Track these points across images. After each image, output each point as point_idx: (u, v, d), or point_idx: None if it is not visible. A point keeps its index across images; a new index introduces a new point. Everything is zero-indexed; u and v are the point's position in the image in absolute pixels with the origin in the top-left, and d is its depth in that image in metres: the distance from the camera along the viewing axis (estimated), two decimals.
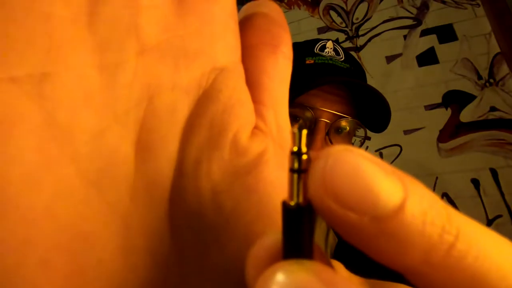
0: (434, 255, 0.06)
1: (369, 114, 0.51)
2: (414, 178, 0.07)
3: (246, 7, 0.12)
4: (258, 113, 0.11)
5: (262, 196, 0.10)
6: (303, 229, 0.07)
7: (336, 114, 0.48)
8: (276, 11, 0.12)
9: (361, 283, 0.12)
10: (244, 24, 0.12)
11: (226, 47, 0.11)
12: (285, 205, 0.07)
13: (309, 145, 0.08)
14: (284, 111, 0.12)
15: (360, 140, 0.52)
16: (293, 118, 0.49)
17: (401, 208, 0.06)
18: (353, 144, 0.54)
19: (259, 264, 0.07)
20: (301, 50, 0.53)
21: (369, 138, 0.53)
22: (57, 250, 0.07)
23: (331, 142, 0.48)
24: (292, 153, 0.07)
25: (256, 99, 0.11)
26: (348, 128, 0.50)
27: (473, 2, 1.00)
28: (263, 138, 0.11)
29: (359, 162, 0.06)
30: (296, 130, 0.07)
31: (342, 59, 0.52)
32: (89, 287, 0.08)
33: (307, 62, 0.50)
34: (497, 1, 0.95)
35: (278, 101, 0.12)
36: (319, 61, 0.50)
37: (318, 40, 0.53)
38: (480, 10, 0.98)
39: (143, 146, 0.09)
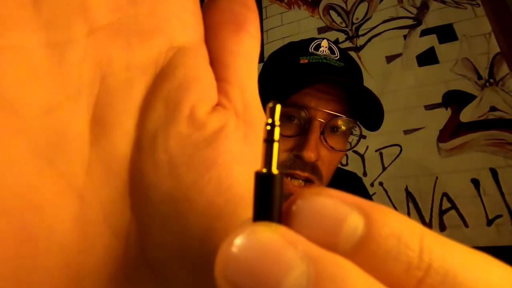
0: None
1: (364, 113, 0.51)
2: (386, 207, 0.07)
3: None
4: (222, 90, 0.11)
5: (222, 169, 0.10)
6: (273, 195, 0.08)
7: (330, 113, 0.48)
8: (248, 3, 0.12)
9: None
10: (208, 5, 0.12)
11: (184, 26, 0.11)
12: (257, 172, 0.08)
13: (281, 118, 0.08)
14: (252, 88, 0.12)
15: (357, 139, 0.52)
16: (288, 118, 0.48)
17: (361, 245, 0.06)
18: (350, 143, 0.53)
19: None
20: (296, 49, 0.53)
21: (364, 137, 0.52)
22: (6, 218, 0.08)
23: (326, 142, 0.48)
24: (267, 124, 0.08)
25: (220, 77, 0.12)
26: (343, 127, 0.50)
27: (473, 2, 1.00)
28: (224, 113, 0.11)
29: (322, 202, 0.07)
30: (271, 104, 0.08)
31: (337, 58, 0.51)
32: (42, 255, 0.08)
33: (302, 61, 0.50)
34: (497, 1, 0.95)
35: (244, 79, 0.12)
36: (313, 60, 0.50)
37: (313, 39, 0.53)
38: (480, 10, 0.98)
39: (98, 122, 0.09)
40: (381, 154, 0.98)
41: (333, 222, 0.07)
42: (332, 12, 1.19)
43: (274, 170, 0.08)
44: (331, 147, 0.48)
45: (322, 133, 0.48)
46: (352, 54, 1.10)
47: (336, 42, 1.15)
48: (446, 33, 1.00)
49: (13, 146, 0.08)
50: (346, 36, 1.14)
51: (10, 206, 0.08)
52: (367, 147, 1.00)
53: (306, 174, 0.47)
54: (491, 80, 0.92)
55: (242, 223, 0.07)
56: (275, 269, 0.06)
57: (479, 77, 0.93)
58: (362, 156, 1.00)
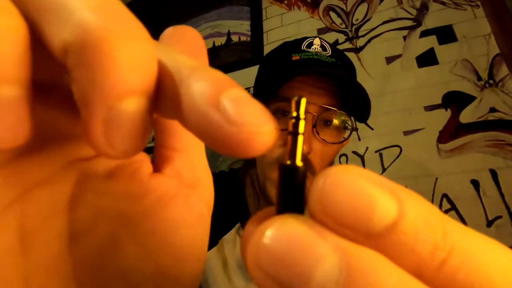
0: (424, 270, 0.06)
1: (354, 105, 0.51)
2: (413, 192, 0.07)
3: (166, 32, 0.12)
4: (169, 158, 0.12)
5: (165, 237, 0.11)
6: (297, 186, 0.07)
7: (322, 106, 0.49)
8: (193, 37, 0.12)
9: None
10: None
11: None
12: (281, 164, 0.08)
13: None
14: (198, 152, 0.13)
15: (347, 132, 0.52)
16: (282, 113, 0.49)
17: (393, 227, 0.06)
18: (344, 137, 0.53)
19: (253, 228, 0.07)
20: (289, 48, 0.54)
21: (356, 129, 0.53)
22: None
23: (318, 134, 0.49)
24: (292, 117, 0.08)
25: (170, 146, 0.12)
26: (336, 120, 0.51)
27: (473, 3, 1.00)
28: (164, 181, 0.12)
29: (354, 183, 0.07)
30: (296, 98, 0.08)
31: (329, 54, 0.53)
32: None
33: (293, 58, 0.51)
34: (497, 2, 0.95)
35: (190, 146, 0.13)
36: (305, 57, 0.51)
37: (306, 38, 0.54)
38: (480, 11, 0.99)
39: (26, 235, 0.10)
40: (381, 155, 0.98)
41: (367, 204, 0.06)
42: (332, 13, 1.19)
43: (299, 162, 0.08)
44: (323, 139, 0.49)
45: (314, 126, 0.48)
46: (352, 55, 1.11)
47: (336, 43, 1.15)
48: (445, 34, 1.00)
49: None
50: (346, 37, 1.14)
51: None
52: (367, 148, 1.00)
53: None
54: (491, 81, 0.92)
55: (270, 218, 0.07)
56: (306, 261, 0.06)
57: (479, 78, 0.93)
58: (362, 157, 1.00)
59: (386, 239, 0.06)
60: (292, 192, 0.07)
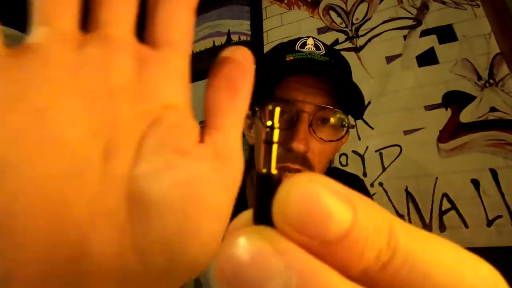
0: (370, 271, 0.07)
1: (349, 103, 0.52)
2: (367, 199, 0.08)
3: (223, 53, 0.16)
4: (209, 135, 0.15)
5: (191, 186, 0.14)
6: (271, 194, 0.08)
7: (317, 105, 0.49)
8: (243, 62, 0.16)
9: None
10: (215, 68, 0.16)
11: (173, 92, 0.15)
12: (258, 172, 0.08)
13: (281, 121, 0.09)
14: (235, 135, 0.16)
15: (345, 130, 0.52)
16: (280, 113, 0.49)
17: (346, 235, 0.07)
18: (341, 135, 0.53)
19: (232, 232, 0.08)
20: (283, 48, 0.55)
21: (352, 127, 0.53)
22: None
23: (314, 133, 0.49)
24: (266, 127, 0.08)
25: (211, 125, 0.16)
26: (332, 119, 0.51)
27: (473, 3, 1.00)
28: (204, 148, 0.15)
29: (313, 193, 0.07)
30: (271, 107, 0.09)
31: (322, 53, 0.53)
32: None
33: (287, 59, 0.52)
34: (497, 1, 0.95)
35: (230, 127, 0.16)
36: (298, 57, 0.51)
37: (300, 38, 0.55)
38: (480, 11, 0.98)
39: (108, 153, 0.13)
40: (381, 154, 0.98)
41: (324, 213, 0.07)
42: (332, 13, 1.19)
43: (273, 170, 0.08)
44: (320, 138, 0.49)
45: (310, 125, 0.49)
46: (352, 54, 1.11)
47: (336, 42, 1.15)
48: (446, 34, 1.00)
49: (53, 164, 0.12)
50: (346, 36, 1.14)
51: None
52: (367, 147, 1.00)
53: (297, 166, 0.48)
54: (491, 81, 0.92)
55: (243, 225, 0.08)
56: (259, 277, 0.07)
57: (479, 77, 0.93)
58: (362, 157, 1.00)
59: (339, 246, 0.07)
60: (267, 200, 0.08)
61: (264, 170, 0.08)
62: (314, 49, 0.53)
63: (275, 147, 0.08)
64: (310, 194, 0.07)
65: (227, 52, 0.16)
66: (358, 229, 0.07)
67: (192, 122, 0.15)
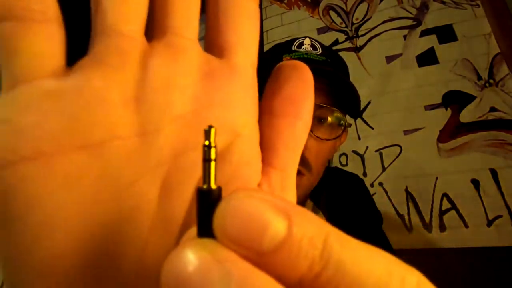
0: (304, 280, 0.08)
1: (345, 102, 0.52)
2: (305, 210, 0.08)
3: (281, 65, 0.14)
4: (266, 173, 0.14)
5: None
6: (213, 208, 0.08)
7: (315, 104, 0.49)
8: (306, 75, 0.14)
9: None
10: (273, 87, 0.14)
11: (244, 113, 0.13)
12: (198, 188, 0.09)
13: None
14: (292, 174, 0.14)
15: (342, 129, 0.52)
16: None
17: (280, 246, 0.07)
18: (339, 134, 0.53)
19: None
20: (280, 49, 0.55)
21: (349, 125, 0.53)
22: (95, 243, 0.11)
23: (311, 132, 0.49)
24: (204, 146, 0.09)
25: (267, 161, 0.14)
26: (329, 118, 0.51)
27: (473, 3, 1.00)
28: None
29: (250, 206, 0.08)
30: (207, 128, 0.09)
31: (319, 53, 0.53)
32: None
33: (284, 59, 0.52)
34: (497, 1, 0.95)
35: (288, 166, 0.14)
36: (295, 57, 0.52)
37: (297, 39, 0.55)
38: (480, 11, 0.98)
39: (166, 191, 0.12)
40: (381, 154, 0.98)
41: (259, 226, 0.07)
42: (332, 13, 1.19)
43: (213, 185, 0.09)
44: (318, 137, 0.49)
45: None
46: (352, 54, 1.11)
47: (336, 42, 1.15)
48: (446, 34, 1.00)
49: (104, 208, 0.11)
50: (346, 36, 1.14)
51: (99, 239, 0.11)
52: (367, 147, 1.00)
53: None
54: (491, 81, 0.92)
55: (187, 238, 0.09)
56: (201, 284, 0.07)
57: (479, 77, 0.93)
58: (362, 157, 1.00)
59: (274, 257, 0.07)
60: (208, 213, 0.08)
61: (205, 186, 0.09)
62: (311, 49, 0.53)
63: (213, 164, 0.09)
64: (246, 208, 0.08)
65: (285, 67, 0.14)
66: (292, 242, 0.07)
67: (258, 156, 0.14)
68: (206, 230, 0.08)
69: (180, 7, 0.12)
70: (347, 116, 0.53)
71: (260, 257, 0.07)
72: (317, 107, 0.49)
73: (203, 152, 0.09)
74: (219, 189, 0.09)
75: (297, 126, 0.14)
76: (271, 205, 0.08)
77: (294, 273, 0.08)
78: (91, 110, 0.11)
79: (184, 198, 0.12)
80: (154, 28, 0.12)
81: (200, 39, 0.13)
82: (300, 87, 0.14)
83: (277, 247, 0.07)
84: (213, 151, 0.09)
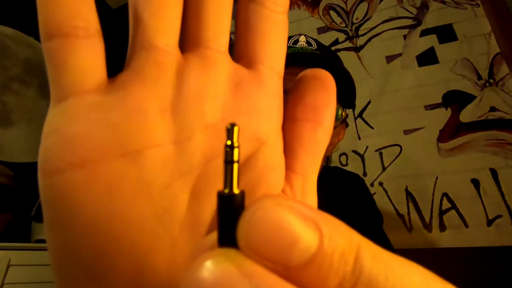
0: None
1: (342, 92, 0.52)
2: (335, 220, 0.08)
3: (304, 73, 0.15)
4: (288, 178, 0.14)
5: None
6: (236, 214, 0.07)
7: None
8: (328, 83, 0.14)
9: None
10: (296, 95, 0.14)
11: (269, 121, 0.14)
12: (219, 193, 0.08)
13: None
14: (313, 178, 0.15)
15: (339, 120, 0.53)
16: None
17: (310, 262, 0.07)
18: (336, 125, 0.53)
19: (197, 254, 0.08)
20: None
21: (347, 115, 0.54)
22: (124, 257, 0.12)
23: None
24: (226, 146, 0.08)
25: (289, 166, 0.14)
26: None
27: (473, 2, 1.00)
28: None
29: (278, 218, 0.07)
30: (229, 126, 0.08)
31: (314, 49, 0.54)
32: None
33: None
34: (497, 1, 0.95)
35: (308, 171, 0.14)
36: (290, 52, 0.52)
37: (293, 36, 0.56)
38: (480, 10, 0.98)
39: (195, 195, 0.13)
40: (381, 154, 0.98)
41: (288, 239, 0.07)
42: (332, 12, 1.19)
43: (235, 190, 0.08)
44: None
45: None
46: (352, 54, 1.11)
47: (336, 42, 1.15)
48: (446, 33, 1.00)
49: (140, 211, 0.12)
50: (346, 36, 1.14)
51: (131, 248, 0.12)
52: (367, 147, 1.00)
53: None
54: (491, 81, 0.92)
55: (208, 248, 0.08)
56: None
57: (479, 77, 0.93)
58: (362, 156, 1.00)
59: (303, 272, 0.07)
60: (230, 220, 0.08)
61: (226, 190, 0.08)
62: (306, 45, 0.54)
63: (236, 166, 0.08)
64: (274, 218, 0.07)
65: (308, 74, 0.15)
66: (323, 256, 0.07)
67: (282, 162, 0.14)
68: (228, 239, 0.08)
69: (212, 20, 0.13)
70: (346, 116, 0.53)
71: (288, 272, 0.07)
72: None
73: (225, 153, 0.08)
74: (242, 193, 0.08)
75: (318, 132, 0.14)
76: (300, 215, 0.07)
77: None
78: (132, 120, 0.12)
79: (212, 202, 0.13)
80: (187, 40, 0.13)
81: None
82: (322, 95, 0.14)
83: (307, 262, 0.07)
84: (236, 151, 0.08)
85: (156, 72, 0.12)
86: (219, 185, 0.12)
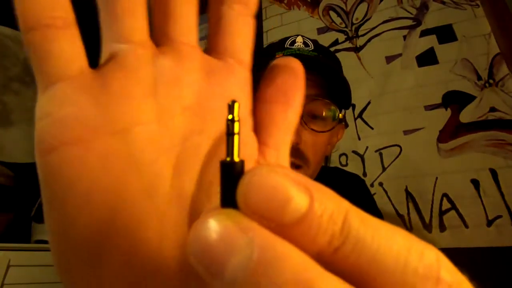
0: (324, 253, 0.08)
1: (337, 93, 0.52)
2: (326, 189, 0.08)
3: (277, 62, 0.16)
4: (262, 152, 0.16)
5: None
6: (236, 179, 0.08)
7: (307, 96, 0.50)
8: (298, 70, 0.16)
9: None
10: (268, 79, 0.16)
11: (240, 104, 0.14)
12: (222, 161, 0.09)
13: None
14: (285, 152, 0.16)
15: (336, 121, 0.53)
16: None
17: (300, 220, 0.08)
18: (334, 126, 0.53)
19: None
20: (273, 48, 0.57)
21: (344, 116, 0.54)
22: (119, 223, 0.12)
23: (306, 124, 0.49)
24: (228, 120, 0.09)
25: (263, 141, 0.16)
26: (323, 111, 0.51)
27: (473, 3, 1.00)
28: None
29: (273, 180, 0.08)
30: (230, 103, 0.10)
31: (311, 49, 0.54)
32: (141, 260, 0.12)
33: (277, 56, 0.52)
34: (497, 1, 0.95)
35: (281, 145, 0.16)
36: (287, 53, 0.53)
37: (290, 37, 0.56)
38: (480, 11, 0.99)
39: (177, 170, 0.14)
40: (381, 154, 0.98)
41: (282, 199, 0.08)
42: (331, 13, 1.19)
43: (236, 158, 0.09)
44: (312, 129, 0.50)
45: (301, 116, 0.49)
46: (352, 54, 1.11)
47: (336, 42, 1.15)
48: (445, 34, 1.00)
49: (132, 184, 0.13)
50: (345, 36, 1.14)
51: (120, 218, 0.12)
52: (367, 147, 1.00)
53: (291, 160, 0.48)
54: (491, 81, 0.92)
55: (212, 208, 0.09)
56: (225, 251, 0.08)
57: (479, 77, 0.93)
58: (362, 157, 1.00)
59: (295, 229, 0.08)
60: (231, 185, 0.09)
61: (228, 159, 0.09)
62: (303, 46, 0.54)
63: (236, 138, 0.09)
64: (270, 181, 0.08)
65: (279, 63, 0.16)
66: (312, 216, 0.08)
67: (253, 137, 0.16)
68: (229, 201, 0.09)
69: (180, 19, 0.15)
70: (346, 117, 0.54)
71: (281, 229, 0.08)
72: (310, 99, 0.49)
73: (227, 126, 0.09)
74: (242, 162, 0.09)
75: (288, 112, 0.16)
76: (293, 180, 0.08)
77: (313, 246, 0.08)
78: (118, 101, 0.13)
79: (192, 176, 0.14)
80: (159, 36, 0.15)
81: (201, 38, 0.14)
82: (291, 79, 0.16)
83: (298, 221, 0.08)
84: (236, 125, 0.09)
85: (136, 62, 0.13)
86: (196, 160, 0.14)
